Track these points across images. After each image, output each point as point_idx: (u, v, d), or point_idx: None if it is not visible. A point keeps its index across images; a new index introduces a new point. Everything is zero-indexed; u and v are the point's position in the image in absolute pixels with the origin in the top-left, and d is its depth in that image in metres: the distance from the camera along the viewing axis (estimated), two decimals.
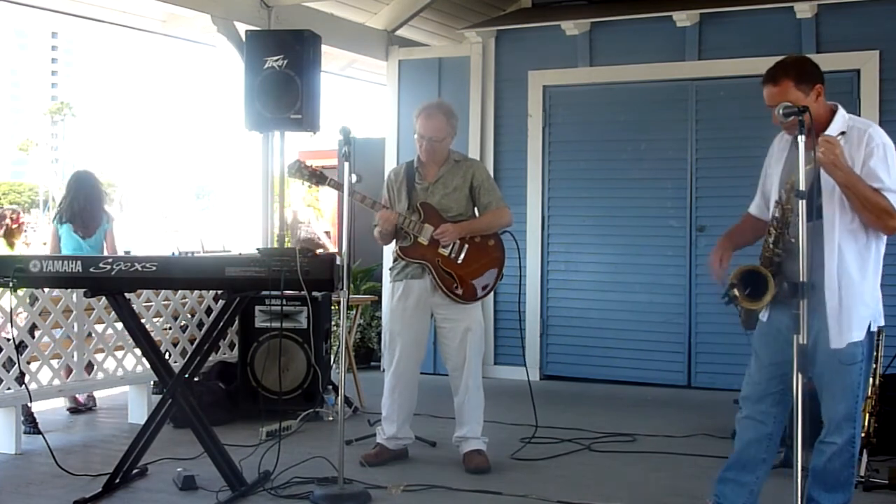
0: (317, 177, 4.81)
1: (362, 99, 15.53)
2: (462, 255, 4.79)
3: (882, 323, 3.40)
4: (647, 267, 7.19)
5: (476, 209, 4.91)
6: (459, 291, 4.78)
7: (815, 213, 3.22)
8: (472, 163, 5.05)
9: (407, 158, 5.14)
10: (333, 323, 6.35)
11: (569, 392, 7.06)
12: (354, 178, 4.35)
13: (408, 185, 4.90)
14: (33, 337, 5.33)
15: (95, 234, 6.31)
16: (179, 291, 6.19)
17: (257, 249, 4.43)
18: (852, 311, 3.26)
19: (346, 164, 4.30)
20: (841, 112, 3.35)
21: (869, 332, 3.34)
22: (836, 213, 3.25)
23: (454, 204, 4.84)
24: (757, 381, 3.51)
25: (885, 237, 3.34)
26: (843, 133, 3.27)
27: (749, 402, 3.54)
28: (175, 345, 6.26)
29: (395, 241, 4.94)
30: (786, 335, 3.26)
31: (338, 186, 4.81)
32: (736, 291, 3.33)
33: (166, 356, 5.37)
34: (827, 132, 3.26)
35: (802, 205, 3.02)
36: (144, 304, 5.91)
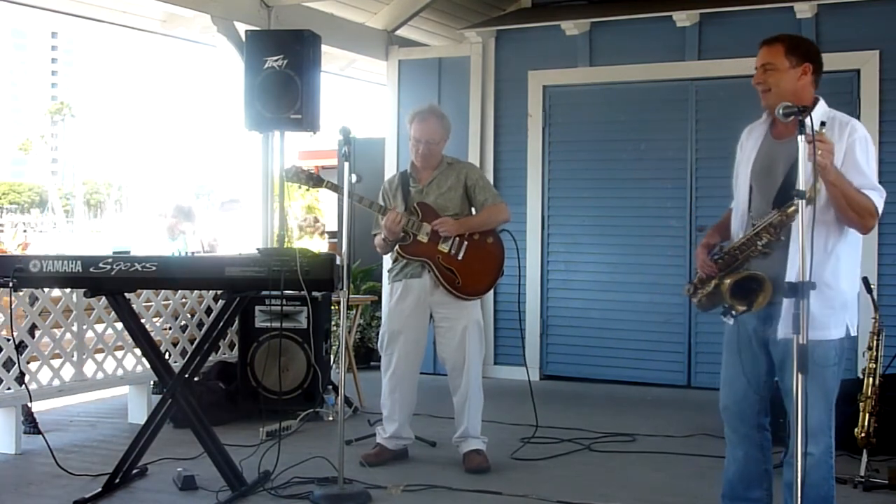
0: (314, 180, 4.81)
1: (362, 99, 15.47)
2: (462, 252, 4.80)
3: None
4: (647, 267, 7.18)
5: (473, 209, 4.92)
6: (461, 287, 4.79)
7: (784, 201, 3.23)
8: (464, 164, 5.11)
9: (406, 159, 5.16)
10: (333, 323, 6.35)
11: (569, 392, 7.06)
12: (354, 178, 4.35)
13: (403, 190, 4.94)
14: (33, 337, 5.32)
15: None
16: (179, 291, 6.19)
17: (257, 249, 4.43)
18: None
19: (346, 164, 4.30)
20: (822, 103, 3.34)
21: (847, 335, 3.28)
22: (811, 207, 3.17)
23: (449, 203, 4.85)
24: (738, 389, 3.43)
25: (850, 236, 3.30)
26: (823, 123, 3.21)
27: (736, 418, 3.45)
28: (175, 345, 6.25)
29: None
30: (756, 337, 3.34)
31: (335, 188, 4.82)
32: (737, 307, 3.29)
33: (166, 356, 5.37)
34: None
35: (803, 204, 3.00)
36: (144, 304, 5.91)
